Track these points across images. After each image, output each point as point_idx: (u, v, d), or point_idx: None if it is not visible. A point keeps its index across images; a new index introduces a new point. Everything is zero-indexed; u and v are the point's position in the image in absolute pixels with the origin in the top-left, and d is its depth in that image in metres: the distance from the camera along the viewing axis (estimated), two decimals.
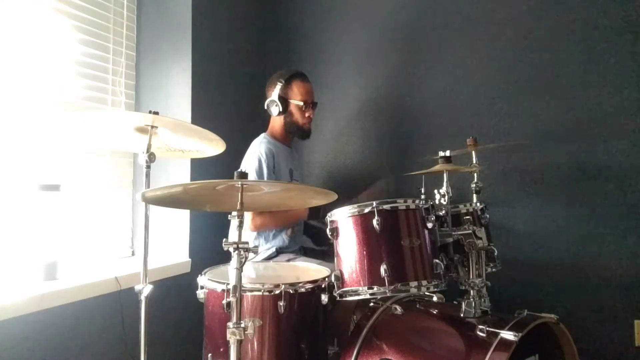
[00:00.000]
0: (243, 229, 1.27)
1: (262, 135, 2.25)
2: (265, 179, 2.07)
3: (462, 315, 1.52)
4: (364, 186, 2.26)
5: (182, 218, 2.21)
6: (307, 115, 2.21)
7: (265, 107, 2.22)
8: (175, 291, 2.04)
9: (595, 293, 2.18)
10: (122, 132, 1.50)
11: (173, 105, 2.24)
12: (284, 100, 2.18)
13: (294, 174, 2.27)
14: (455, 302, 1.60)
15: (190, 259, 2.18)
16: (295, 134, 2.27)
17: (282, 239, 2.18)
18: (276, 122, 2.26)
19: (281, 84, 2.18)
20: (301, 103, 2.19)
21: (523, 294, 2.26)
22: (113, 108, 2.11)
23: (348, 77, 2.71)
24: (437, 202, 1.65)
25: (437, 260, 1.48)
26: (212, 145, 1.53)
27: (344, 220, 1.54)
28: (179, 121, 1.51)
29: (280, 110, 2.17)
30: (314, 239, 2.44)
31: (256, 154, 2.12)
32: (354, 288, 1.49)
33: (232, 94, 2.57)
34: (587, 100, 2.22)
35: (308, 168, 2.74)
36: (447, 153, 1.70)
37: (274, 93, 2.18)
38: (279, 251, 2.17)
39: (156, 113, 1.35)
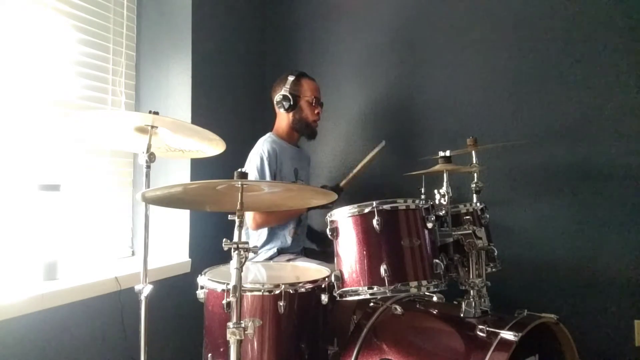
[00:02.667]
0: (244, 229, 1.27)
1: (268, 134, 2.25)
2: (267, 177, 2.07)
3: (462, 315, 1.53)
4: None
5: (182, 218, 2.21)
6: (316, 112, 2.24)
7: (275, 103, 2.23)
8: (175, 291, 2.04)
9: (595, 293, 2.18)
10: (122, 132, 1.50)
11: (173, 105, 2.24)
12: (294, 96, 2.20)
13: (299, 173, 2.27)
14: (455, 302, 1.60)
15: (190, 259, 2.18)
16: (302, 133, 2.28)
17: (285, 239, 2.18)
18: (283, 120, 2.26)
19: (292, 80, 2.21)
20: (312, 98, 2.22)
21: (523, 294, 2.26)
22: (113, 108, 2.11)
23: (348, 78, 2.71)
24: (437, 202, 1.65)
25: (437, 260, 1.48)
26: (212, 145, 1.53)
27: (343, 220, 1.54)
28: (179, 121, 1.51)
29: (291, 104, 2.19)
30: (317, 244, 2.44)
31: (259, 153, 2.12)
32: (354, 288, 1.49)
33: (232, 94, 2.57)
34: (588, 100, 2.22)
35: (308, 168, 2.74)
36: (447, 153, 1.70)
37: (284, 89, 2.20)
38: (280, 252, 2.16)
39: (156, 113, 1.35)
